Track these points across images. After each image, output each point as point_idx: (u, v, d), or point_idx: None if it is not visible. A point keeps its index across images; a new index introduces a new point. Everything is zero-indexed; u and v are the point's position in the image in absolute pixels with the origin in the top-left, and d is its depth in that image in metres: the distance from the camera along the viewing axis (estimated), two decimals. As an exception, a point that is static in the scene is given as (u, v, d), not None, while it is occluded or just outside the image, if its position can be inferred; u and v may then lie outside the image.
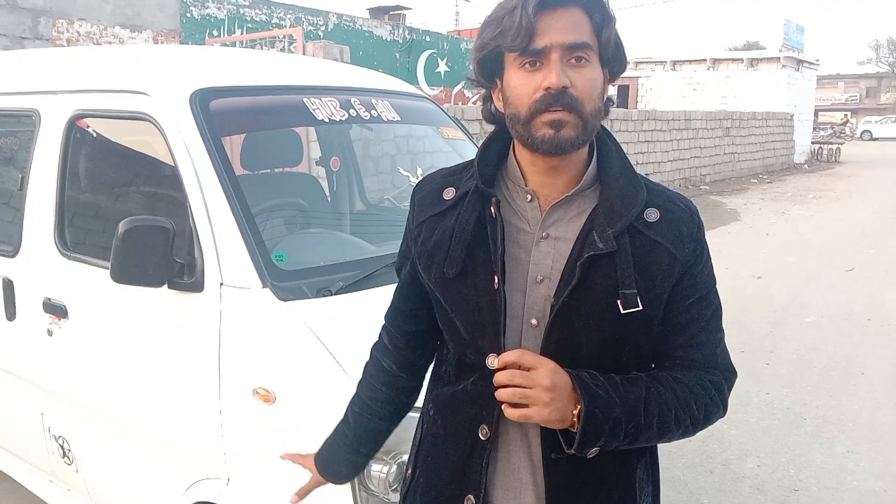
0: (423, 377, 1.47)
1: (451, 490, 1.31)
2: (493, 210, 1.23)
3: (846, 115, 49.28)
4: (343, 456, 1.52)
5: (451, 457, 1.31)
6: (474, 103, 13.47)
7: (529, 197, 1.24)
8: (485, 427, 1.25)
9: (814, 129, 30.29)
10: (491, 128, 1.33)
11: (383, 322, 1.49)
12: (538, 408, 1.12)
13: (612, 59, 1.20)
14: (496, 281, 1.20)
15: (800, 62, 25.68)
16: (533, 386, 1.13)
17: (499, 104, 1.24)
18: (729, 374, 1.29)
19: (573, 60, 1.14)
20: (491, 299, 1.21)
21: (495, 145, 1.30)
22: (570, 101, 1.13)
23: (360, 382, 1.50)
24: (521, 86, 1.15)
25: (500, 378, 1.15)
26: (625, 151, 1.30)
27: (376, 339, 1.50)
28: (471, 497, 1.28)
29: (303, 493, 1.57)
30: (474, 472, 1.27)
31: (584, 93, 1.14)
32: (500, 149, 1.30)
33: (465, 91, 15.06)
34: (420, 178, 1.42)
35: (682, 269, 1.22)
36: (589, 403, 1.13)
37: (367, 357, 1.51)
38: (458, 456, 1.29)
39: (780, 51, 25.10)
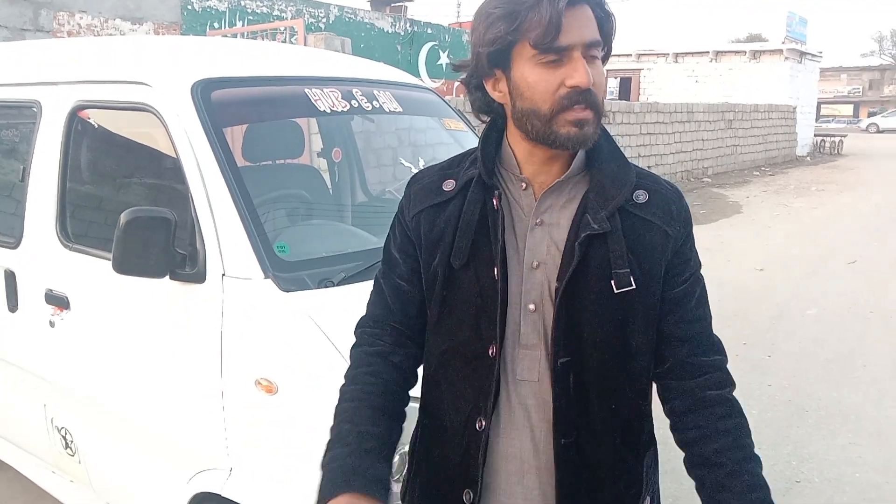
0: (417, 366, 1.38)
1: (448, 485, 1.31)
2: (495, 202, 1.24)
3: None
4: (370, 463, 1.22)
5: (448, 451, 1.31)
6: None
7: (524, 185, 1.26)
8: (481, 419, 1.26)
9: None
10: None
11: (374, 325, 1.37)
12: None
13: (607, 52, 1.24)
14: (496, 272, 1.22)
15: (802, 54, 25.59)
16: None
17: (496, 94, 1.24)
18: (725, 358, 1.32)
19: (587, 57, 1.16)
20: (493, 289, 1.23)
21: (492, 135, 1.31)
22: (593, 99, 1.16)
23: (355, 394, 1.32)
24: (542, 82, 1.16)
25: None
26: (626, 143, 1.32)
27: (366, 349, 1.36)
28: (469, 492, 1.28)
29: None
30: (472, 466, 1.28)
31: (600, 89, 1.18)
32: (495, 138, 1.31)
33: (467, 83, 14.96)
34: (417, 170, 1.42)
35: (674, 246, 1.26)
36: None
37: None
38: (456, 450, 1.29)
39: (783, 43, 25.00)
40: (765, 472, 1.25)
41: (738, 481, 1.21)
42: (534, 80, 1.16)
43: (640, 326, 1.25)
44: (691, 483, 1.29)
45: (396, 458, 1.76)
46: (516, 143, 1.26)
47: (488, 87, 1.24)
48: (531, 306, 1.24)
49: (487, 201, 1.25)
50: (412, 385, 1.39)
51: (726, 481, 1.22)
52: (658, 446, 1.41)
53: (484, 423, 1.26)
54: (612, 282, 1.20)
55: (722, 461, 1.23)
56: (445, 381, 1.32)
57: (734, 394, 1.31)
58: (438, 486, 1.33)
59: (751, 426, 1.29)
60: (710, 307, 1.35)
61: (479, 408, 1.26)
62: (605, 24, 1.20)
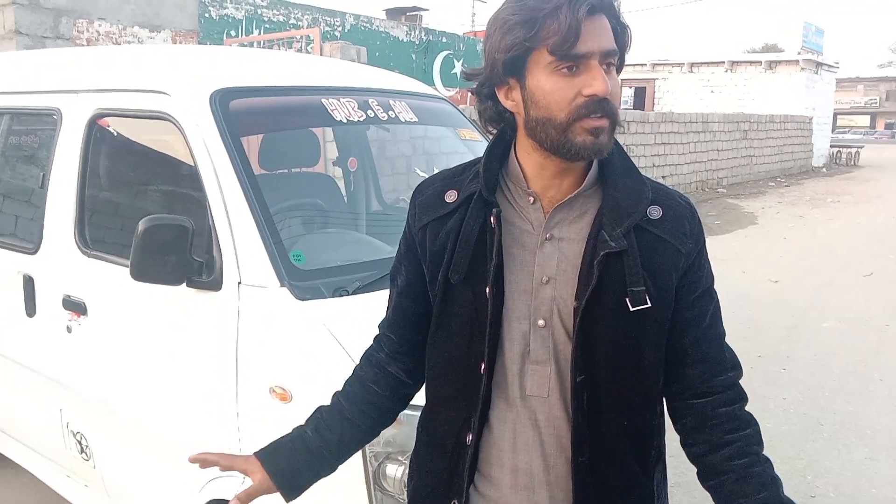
0: (413, 376, 1.43)
1: (437, 496, 1.33)
2: (493, 220, 1.23)
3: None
4: (308, 464, 1.36)
5: (439, 462, 1.33)
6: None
7: (532, 199, 1.24)
8: (470, 433, 1.27)
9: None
10: None
11: (380, 331, 1.44)
12: None
13: (620, 63, 1.22)
14: (488, 291, 1.22)
15: (819, 65, 25.47)
16: None
17: (508, 104, 1.22)
18: (739, 372, 1.32)
19: (604, 66, 1.15)
20: (485, 307, 1.22)
21: (498, 149, 1.29)
22: (610, 109, 1.15)
23: (349, 390, 1.42)
24: (559, 90, 1.14)
25: None
26: (641, 153, 1.31)
27: (372, 344, 1.45)
28: (455, 502, 1.30)
29: (245, 497, 1.34)
30: (458, 477, 1.29)
31: (616, 98, 1.17)
32: (502, 151, 1.29)
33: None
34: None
35: (686, 264, 1.24)
36: None
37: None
38: (446, 461, 1.31)
39: (799, 53, 24.90)
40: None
41: (748, 483, 1.23)
42: (550, 89, 1.14)
43: (652, 343, 1.24)
44: (706, 494, 1.29)
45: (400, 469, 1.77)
46: (526, 155, 1.24)
47: (500, 96, 1.22)
48: (541, 322, 1.22)
49: (487, 218, 1.24)
50: (407, 392, 1.44)
51: (736, 486, 1.24)
52: (669, 459, 1.41)
53: (472, 437, 1.27)
54: (628, 300, 1.18)
55: (730, 467, 1.25)
56: (439, 393, 1.34)
57: (747, 406, 1.31)
58: (429, 494, 1.36)
59: (765, 440, 1.29)
60: (725, 319, 1.34)
61: (469, 422, 1.27)
62: (621, 35, 1.18)
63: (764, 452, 1.28)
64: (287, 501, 1.37)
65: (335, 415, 1.40)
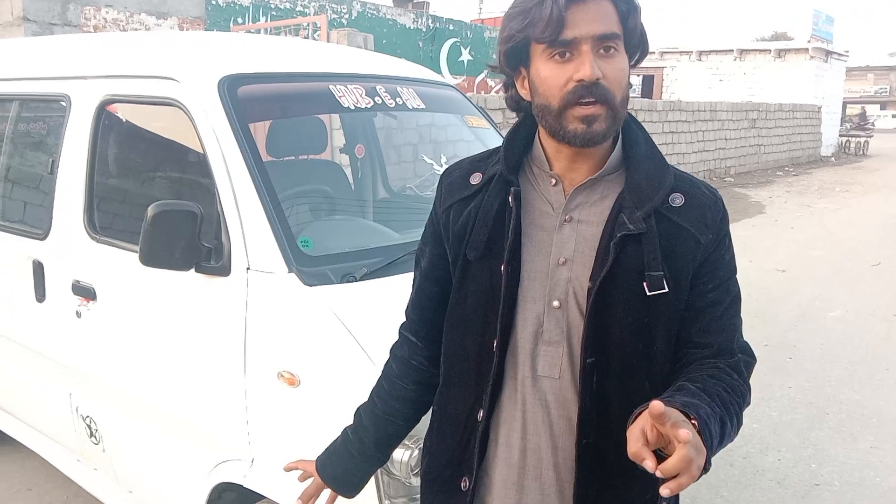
0: (436, 364, 1.45)
1: (448, 473, 1.35)
2: (510, 199, 1.25)
3: (863, 108, 46.40)
4: (357, 466, 1.49)
5: (451, 439, 1.35)
6: (497, 93, 13.43)
7: (554, 181, 1.26)
8: (482, 410, 1.28)
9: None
10: (514, 115, 1.34)
11: (405, 321, 1.47)
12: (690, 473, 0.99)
13: (636, 46, 1.22)
14: (503, 269, 1.23)
15: (828, 53, 25.28)
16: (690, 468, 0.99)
17: (523, 92, 1.25)
18: (748, 358, 1.29)
19: (602, 50, 1.16)
20: (499, 285, 1.24)
21: (521, 132, 1.32)
22: (602, 93, 1.15)
23: (378, 387, 1.49)
24: (552, 77, 1.16)
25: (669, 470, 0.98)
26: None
27: (397, 338, 1.49)
28: (465, 479, 1.31)
29: (306, 497, 1.53)
30: (469, 454, 1.31)
31: (615, 83, 1.16)
32: (526, 135, 1.32)
33: (488, 80, 14.99)
34: (444, 165, 1.44)
35: (704, 254, 1.24)
36: (708, 438, 1.06)
37: (390, 342, 1.51)
38: (458, 439, 1.33)
39: (809, 42, 24.72)
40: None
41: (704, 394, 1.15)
42: (545, 76, 1.17)
43: (664, 331, 1.24)
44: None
45: (416, 452, 1.78)
46: (545, 139, 1.27)
47: (518, 85, 1.26)
48: (555, 303, 1.24)
49: (506, 197, 1.27)
50: (435, 381, 1.42)
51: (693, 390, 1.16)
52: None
53: (483, 414, 1.28)
54: (645, 284, 1.19)
55: (696, 379, 1.18)
56: (453, 370, 1.35)
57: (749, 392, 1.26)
58: (440, 472, 1.38)
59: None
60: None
61: (480, 400, 1.29)
62: (630, 16, 1.18)
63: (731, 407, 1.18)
64: (347, 498, 1.53)
65: (369, 415, 1.48)
